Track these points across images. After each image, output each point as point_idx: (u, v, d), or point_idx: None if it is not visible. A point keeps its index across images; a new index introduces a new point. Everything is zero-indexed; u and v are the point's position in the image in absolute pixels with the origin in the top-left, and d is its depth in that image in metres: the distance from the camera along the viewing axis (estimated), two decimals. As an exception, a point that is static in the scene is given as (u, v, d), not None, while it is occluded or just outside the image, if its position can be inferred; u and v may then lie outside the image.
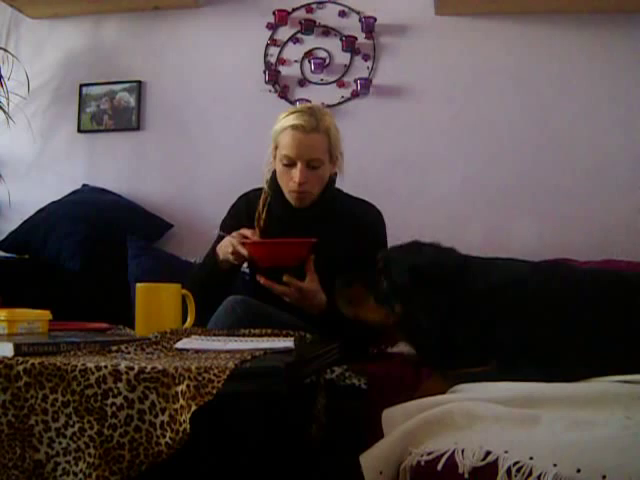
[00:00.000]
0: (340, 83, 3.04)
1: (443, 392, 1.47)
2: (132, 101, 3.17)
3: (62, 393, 1.16)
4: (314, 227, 1.94)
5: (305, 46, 3.08)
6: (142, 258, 2.73)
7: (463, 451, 1.13)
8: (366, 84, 3.00)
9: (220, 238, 1.99)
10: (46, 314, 1.56)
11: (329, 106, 3.00)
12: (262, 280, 1.84)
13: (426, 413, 1.28)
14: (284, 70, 3.08)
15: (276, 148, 2.00)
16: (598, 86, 2.89)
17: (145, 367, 1.14)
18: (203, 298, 1.80)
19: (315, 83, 3.06)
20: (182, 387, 1.12)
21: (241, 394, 1.24)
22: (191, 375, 1.13)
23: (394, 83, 3.01)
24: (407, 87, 3.01)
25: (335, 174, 2.10)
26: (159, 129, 3.18)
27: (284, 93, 3.06)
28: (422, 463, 1.16)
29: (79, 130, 3.23)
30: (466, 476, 1.10)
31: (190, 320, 1.68)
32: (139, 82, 3.17)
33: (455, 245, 1.83)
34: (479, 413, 1.26)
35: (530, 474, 1.05)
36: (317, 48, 3.07)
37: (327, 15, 3.07)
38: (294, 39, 3.09)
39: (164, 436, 1.12)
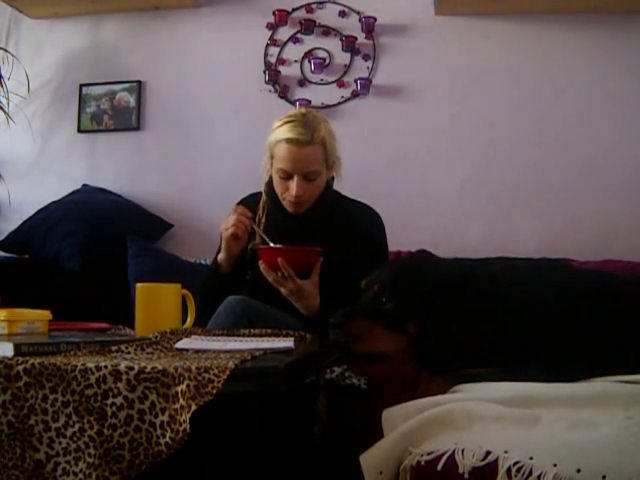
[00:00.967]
0: (340, 83, 3.04)
1: (443, 392, 1.47)
2: (132, 101, 3.17)
3: (62, 393, 1.16)
4: (312, 231, 1.94)
5: (305, 46, 3.08)
6: (142, 258, 2.73)
7: (463, 451, 1.13)
8: (366, 84, 3.00)
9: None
10: (46, 314, 1.56)
11: (329, 106, 3.01)
12: (262, 267, 1.83)
13: (426, 413, 1.28)
14: (284, 70, 3.08)
15: (271, 157, 1.99)
16: (598, 86, 2.89)
17: (145, 367, 1.14)
18: (209, 304, 1.82)
19: (315, 83, 3.06)
20: (182, 387, 1.12)
21: (241, 394, 1.24)
22: (191, 375, 1.13)
23: (394, 83, 3.01)
24: (407, 87, 3.01)
25: (332, 178, 2.09)
26: (159, 129, 3.18)
27: (284, 93, 3.06)
28: (422, 463, 1.16)
29: (79, 130, 3.23)
30: (466, 476, 1.10)
31: (190, 320, 1.68)
32: (139, 82, 3.17)
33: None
34: (479, 413, 1.26)
35: (530, 474, 1.05)
36: (317, 48, 3.07)
37: (327, 15, 3.07)
38: (294, 39, 3.09)
39: (164, 436, 1.12)
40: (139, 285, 1.65)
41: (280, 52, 3.09)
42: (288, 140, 1.90)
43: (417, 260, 1.71)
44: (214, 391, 1.12)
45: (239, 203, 2.16)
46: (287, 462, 1.64)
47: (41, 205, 2.93)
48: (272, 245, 1.89)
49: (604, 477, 0.99)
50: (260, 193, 2.11)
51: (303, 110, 2.07)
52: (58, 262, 2.76)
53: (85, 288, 2.66)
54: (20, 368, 1.17)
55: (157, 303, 1.63)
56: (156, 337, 1.47)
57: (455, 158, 2.95)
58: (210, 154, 3.11)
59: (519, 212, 2.88)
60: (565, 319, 1.58)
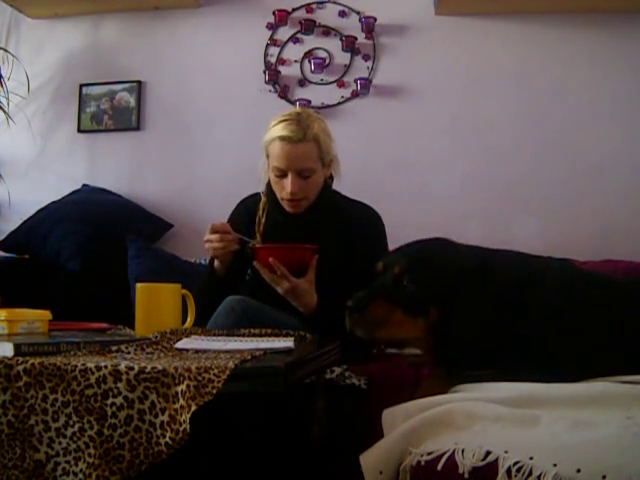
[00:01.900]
0: (340, 83, 3.04)
1: (443, 392, 1.47)
2: (132, 101, 3.17)
3: (62, 393, 1.16)
4: (312, 231, 1.94)
5: (305, 46, 3.08)
6: (142, 258, 2.73)
7: (463, 451, 1.13)
8: (366, 84, 3.00)
9: None
10: (46, 314, 1.56)
11: (329, 106, 3.01)
12: (258, 266, 1.84)
13: (426, 413, 1.28)
14: (284, 70, 3.08)
15: (267, 157, 2.01)
16: (598, 86, 2.89)
17: (145, 367, 1.14)
18: (208, 305, 1.83)
19: (315, 83, 3.06)
20: (182, 387, 1.12)
21: (241, 394, 1.24)
22: (191, 375, 1.13)
23: (394, 83, 3.01)
24: (407, 87, 3.01)
25: (331, 177, 2.09)
26: (159, 129, 3.18)
27: (284, 93, 3.06)
28: (422, 463, 1.16)
29: (79, 130, 3.23)
30: (466, 476, 1.10)
31: (190, 320, 1.68)
32: (139, 82, 3.17)
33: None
34: (479, 413, 1.26)
35: (530, 474, 1.05)
36: (317, 48, 3.07)
37: (327, 15, 3.07)
38: (294, 39, 3.09)
39: (164, 436, 1.12)
40: (139, 285, 1.66)
41: (280, 52, 3.09)
42: (281, 138, 1.92)
43: (438, 243, 1.65)
44: (214, 391, 1.12)
45: (239, 204, 2.17)
46: (287, 462, 1.64)
47: (41, 205, 2.93)
48: (266, 244, 1.90)
49: (604, 477, 0.99)
50: (258, 194, 2.11)
51: (298, 109, 2.09)
52: (58, 262, 2.76)
53: (85, 288, 2.67)
54: (20, 368, 1.17)
55: (157, 303, 1.63)
56: (156, 337, 1.47)
57: (455, 158, 2.96)
58: (210, 154, 3.11)
59: (519, 212, 2.88)
60: (580, 317, 1.58)
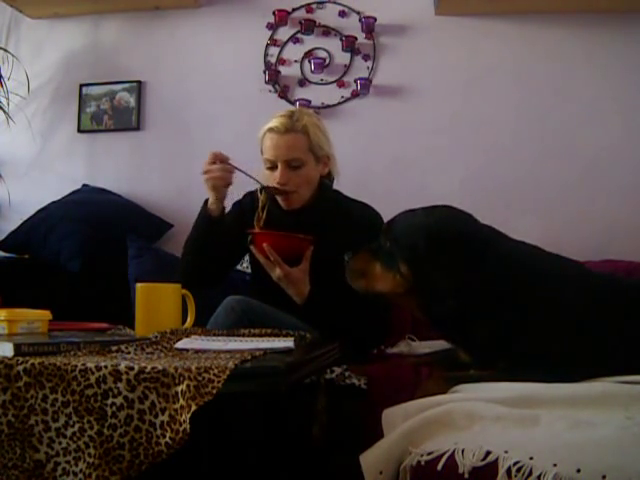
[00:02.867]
0: (340, 83, 3.04)
1: (443, 392, 1.47)
2: (132, 101, 3.17)
3: (62, 393, 1.16)
4: (311, 230, 1.94)
5: (305, 46, 3.08)
6: (142, 258, 2.73)
7: (463, 451, 1.13)
8: (366, 84, 3.00)
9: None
10: (46, 314, 1.56)
11: (329, 106, 3.01)
12: (254, 250, 1.88)
13: (426, 413, 1.28)
14: (284, 70, 3.08)
15: (262, 153, 2.04)
16: (598, 86, 2.89)
17: (145, 367, 1.14)
18: (197, 255, 1.95)
19: (315, 83, 3.06)
20: (182, 387, 1.12)
21: (241, 394, 1.24)
22: (191, 375, 1.13)
23: (394, 83, 3.01)
24: (407, 87, 3.01)
25: (328, 176, 2.10)
26: (159, 129, 3.18)
27: (284, 93, 3.06)
28: (422, 463, 1.16)
29: (79, 130, 3.23)
30: (466, 476, 1.10)
31: (190, 320, 1.68)
32: (139, 82, 3.17)
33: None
34: (479, 413, 1.26)
35: (530, 474, 1.05)
36: (317, 48, 3.07)
37: (327, 15, 3.07)
38: (294, 39, 3.09)
39: (164, 436, 1.12)
40: (139, 285, 1.65)
41: (280, 52, 3.09)
42: (270, 129, 1.99)
43: (430, 209, 1.77)
44: (214, 391, 1.12)
45: (245, 195, 2.16)
46: (287, 462, 1.64)
47: (41, 205, 2.93)
48: (264, 230, 1.95)
49: (604, 477, 0.99)
50: (254, 192, 2.11)
51: (293, 109, 2.11)
52: (58, 262, 2.76)
53: (85, 288, 2.66)
54: (20, 368, 1.17)
55: (157, 303, 1.63)
56: (156, 337, 1.47)
57: (455, 158, 2.95)
58: (210, 154, 3.10)
59: (519, 212, 2.87)
60: (580, 317, 1.58)
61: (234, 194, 2.17)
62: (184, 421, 1.11)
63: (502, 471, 1.07)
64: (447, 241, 1.61)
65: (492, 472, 1.08)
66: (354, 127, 2.95)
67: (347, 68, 3.04)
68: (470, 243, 1.62)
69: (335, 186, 2.13)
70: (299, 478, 1.69)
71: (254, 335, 1.59)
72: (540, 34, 2.94)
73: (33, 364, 1.17)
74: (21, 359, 1.19)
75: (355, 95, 3.02)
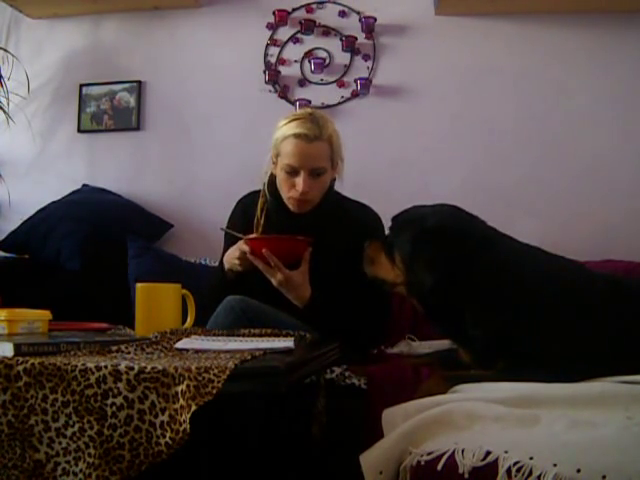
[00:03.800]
0: (340, 83, 3.04)
1: (443, 392, 1.47)
2: (132, 101, 3.17)
3: (62, 393, 1.16)
4: (313, 232, 1.94)
5: (305, 46, 3.08)
6: (142, 258, 2.73)
7: (463, 451, 1.13)
8: (366, 84, 3.00)
9: (227, 236, 2.03)
10: (46, 314, 1.56)
11: (329, 106, 3.01)
12: (252, 258, 1.85)
13: (426, 413, 1.28)
14: (284, 70, 3.08)
15: (277, 155, 1.98)
16: (598, 86, 2.89)
17: (145, 367, 1.14)
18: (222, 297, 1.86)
19: (315, 83, 3.06)
20: (182, 387, 1.12)
21: (241, 394, 1.24)
22: (191, 375, 1.13)
23: (394, 83, 3.01)
24: (407, 87, 3.01)
25: (334, 179, 2.09)
26: (159, 129, 3.18)
27: (284, 93, 3.06)
28: (422, 463, 1.16)
29: (79, 130, 3.23)
30: (466, 476, 1.10)
31: (190, 320, 1.68)
32: (139, 82, 3.17)
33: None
34: (479, 413, 1.26)
35: (530, 474, 1.05)
36: (317, 48, 3.07)
37: (327, 15, 3.07)
38: (294, 39, 3.09)
39: (164, 436, 1.12)
40: (139, 285, 1.66)
41: (280, 52, 3.09)
42: (296, 135, 1.91)
43: (436, 207, 1.85)
44: (214, 391, 1.12)
45: (237, 205, 2.16)
46: (287, 462, 1.64)
47: (41, 205, 2.93)
48: (259, 236, 1.93)
49: (604, 477, 0.99)
50: (256, 192, 2.10)
51: (309, 110, 2.07)
52: (58, 262, 2.76)
53: (85, 288, 2.66)
54: (20, 368, 1.17)
55: (157, 303, 1.63)
56: (156, 337, 1.47)
57: (455, 158, 2.95)
58: (210, 154, 3.11)
59: (519, 212, 2.87)
60: (578, 317, 1.58)
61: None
62: (184, 421, 1.11)
63: (502, 471, 1.07)
64: (436, 237, 1.67)
65: (492, 472, 1.08)
66: (354, 127, 2.95)
67: (347, 68, 3.04)
68: (465, 241, 1.64)
69: (335, 187, 2.13)
70: (299, 478, 1.69)
71: (254, 335, 1.59)
72: (540, 34, 2.94)
73: (33, 364, 1.17)
74: (21, 359, 1.19)
75: (355, 95, 3.02)
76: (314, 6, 3.08)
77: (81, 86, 3.21)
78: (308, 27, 3.04)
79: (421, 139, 2.98)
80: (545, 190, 2.88)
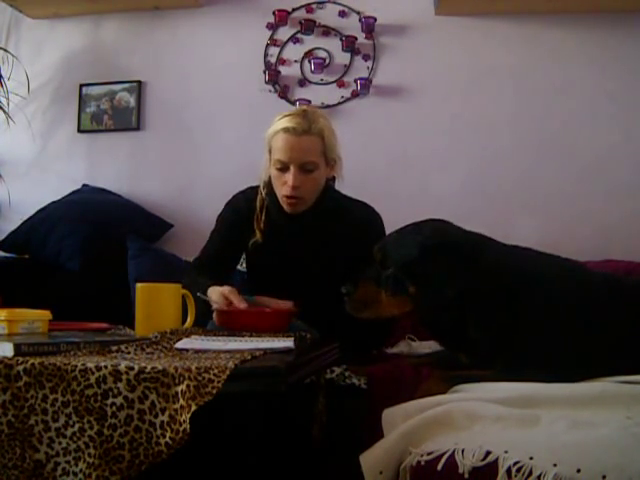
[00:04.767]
0: (340, 83, 3.04)
1: (443, 392, 1.47)
2: (132, 101, 3.17)
3: (62, 393, 1.15)
4: (312, 232, 1.93)
5: (305, 46, 3.08)
6: (142, 258, 2.73)
7: (463, 451, 1.13)
8: (366, 84, 3.00)
9: (214, 235, 2.06)
10: (46, 314, 1.56)
11: (329, 106, 3.01)
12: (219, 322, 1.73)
13: (426, 413, 1.28)
14: (284, 70, 3.08)
15: (270, 152, 1.97)
16: (598, 86, 2.89)
17: (145, 367, 1.14)
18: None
19: (315, 83, 3.06)
20: (182, 387, 1.12)
21: (241, 394, 1.24)
22: (191, 375, 1.13)
23: (394, 83, 3.01)
24: (407, 87, 3.01)
25: (333, 178, 2.08)
26: (159, 129, 3.18)
27: (284, 93, 3.06)
28: (422, 463, 1.16)
29: (79, 130, 3.23)
30: (466, 476, 1.10)
31: (190, 320, 1.68)
32: (139, 82, 3.17)
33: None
34: (479, 413, 1.26)
35: (530, 474, 1.05)
36: (317, 48, 3.07)
37: (327, 15, 3.07)
38: (294, 39, 3.09)
39: (164, 436, 1.12)
40: (139, 285, 1.65)
41: (280, 52, 3.09)
42: (285, 129, 1.90)
43: (417, 227, 1.74)
44: (214, 391, 1.12)
45: (237, 196, 2.13)
46: (287, 462, 1.64)
47: (41, 205, 2.93)
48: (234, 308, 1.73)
49: (604, 477, 0.99)
50: (257, 187, 2.09)
51: (304, 107, 2.06)
52: (58, 262, 2.76)
53: (85, 288, 2.66)
54: (20, 368, 1.17)
55: (157, 303, 1.63)
56: (156, 337, 1.47)
57: (455, 158, 2.95)
58: (210, 154, 3.11)
59: (519, 212, 2.88)
60: (577, 318, 1.58)
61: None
62: (184, 421, 1.11)
63: (502, 471, 1.07)
64: (441, 250, 1.62)
65: (492, 472, 1.08)
66: (354, 127, 2.95)
67: (347, 68, 3.04)
68: (462, 249, 1.64)
69: (335, 186, 2.12)
70: (299, 478, 1.69)
71: (254, 335, 1.59)
72: (540, 34, 2.94)
73: (33, 364, 1.17)
74: (21, 359, 1.19)
75: (355, 95, 3.02)
76: (314, 6, 3.08)
77: (81, 86, 3.21)
78: (308, 27, 3.04)
79: (421, 139, 2.98)
80: (545, 190, 2.89)
